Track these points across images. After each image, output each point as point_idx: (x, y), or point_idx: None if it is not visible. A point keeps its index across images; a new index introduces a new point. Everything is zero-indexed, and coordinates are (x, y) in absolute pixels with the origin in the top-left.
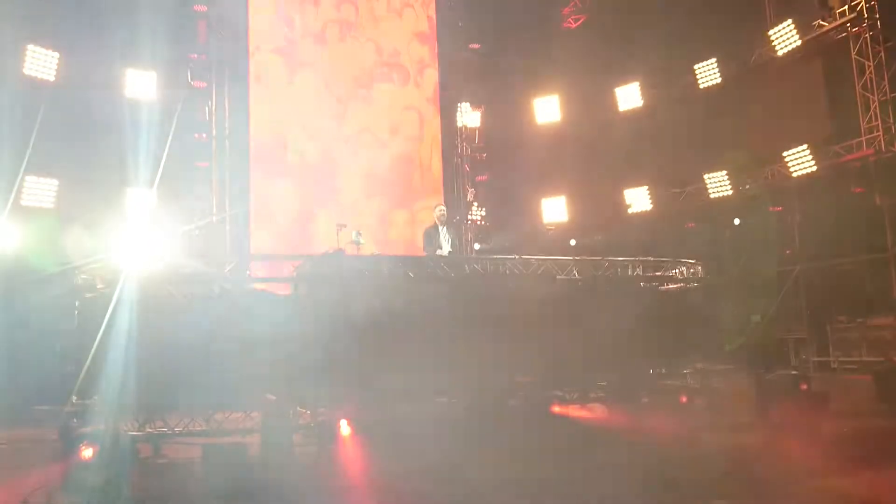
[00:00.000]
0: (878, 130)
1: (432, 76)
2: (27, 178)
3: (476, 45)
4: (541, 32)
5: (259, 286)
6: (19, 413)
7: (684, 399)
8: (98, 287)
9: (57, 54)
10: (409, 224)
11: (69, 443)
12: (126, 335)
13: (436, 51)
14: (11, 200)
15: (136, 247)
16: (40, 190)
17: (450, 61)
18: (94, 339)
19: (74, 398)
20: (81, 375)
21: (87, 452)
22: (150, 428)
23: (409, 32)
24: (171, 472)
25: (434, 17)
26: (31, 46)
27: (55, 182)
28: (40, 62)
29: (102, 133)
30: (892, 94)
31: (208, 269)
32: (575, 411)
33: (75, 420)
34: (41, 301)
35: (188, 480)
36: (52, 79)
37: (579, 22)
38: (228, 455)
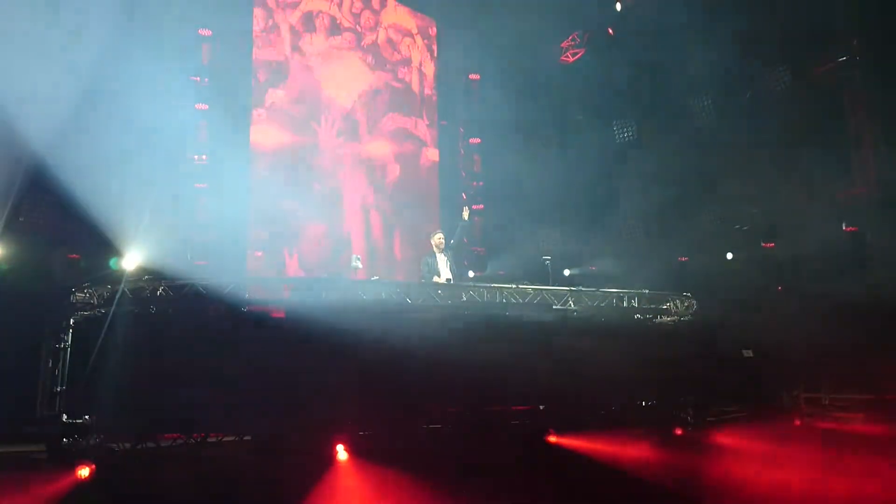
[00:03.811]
0: (870, 170)
1: (432, 105)
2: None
3: (476, 76)
4: (539, 66)
5: (255, 308)
6: (8, 432)
7: (679, 432)
8: (93, 305)
9: None
10: (407, 250)
11: (59, 462)
12: (120, 354)
13: (435, 81)
14: (6, 217)
15: (133, 266)
16: (37, 207)
17: (449, 91)
18: (88, 358)
19: (65, 417)
20: (73, 394)
21: (77, 472)
22: (142, 448)
23: (410, 62)
24: (161, 493)
25: (434, 47)
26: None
27: (52, 198)
28: None
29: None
30: (885, 134)
31: (205, 290)
32: (569, 441)
33: (65, 439)
34: (33, 318)
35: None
36: None
37: (577, 56)
38: (220, 478)
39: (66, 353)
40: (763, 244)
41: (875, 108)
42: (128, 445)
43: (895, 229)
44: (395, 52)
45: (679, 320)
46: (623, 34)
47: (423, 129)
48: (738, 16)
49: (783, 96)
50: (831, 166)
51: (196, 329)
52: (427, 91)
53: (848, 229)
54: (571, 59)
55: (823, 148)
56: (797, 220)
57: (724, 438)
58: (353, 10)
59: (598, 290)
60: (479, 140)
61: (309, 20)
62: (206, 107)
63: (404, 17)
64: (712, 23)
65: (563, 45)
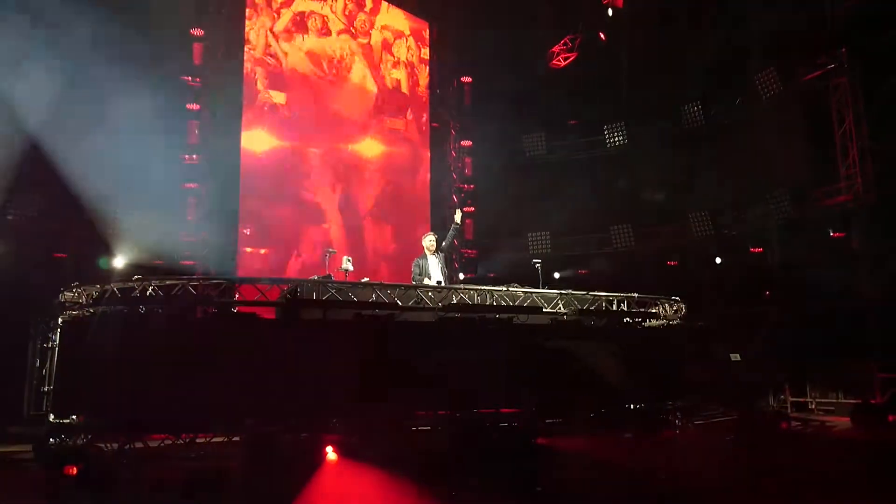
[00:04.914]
0: (856, 177)
1: (423, 108)
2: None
3: (467, 79)
4: (531, 69)
5: (245, 309)
6: None
7: (669, 435)
8: (82, 305)
9: None
10: (399, 252)
11: (46, 463)
12: (108, 354)
13: (427, 83)
14: None
15: (122, 266)
16: (25, 205)
17: (441, 94)
18: (76, 358)
19: (52, 417)
20: (61, 394)
21: (64, 473)
22: (130, 449)
23: (402, 64)
24: (150, 494)
25: (427, 50)
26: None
27: (39, 197)
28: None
29: (90, 150)
30: (871, 142)
31: (195, 291)
32: (558, 443)
33: (52, 440)
34: (20, 317)
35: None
36: None
37: (568, 61)
38: (208, 478)
39: (53, 352)
40: (751, 249)
41: (861, 116)
42: (116, 446)
43: (881, 236)
44: (388, 54)
45: (668, 323)
46: (614, 39)
47: (414, 131)
48: (728, 22)
49: (772, 103)
50: (819, 173)
51: (185, 329)
52: (419, 93)
53: (835, 235)
54: (563, 64)
55: (811, 154)
56: (785, 225)
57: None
58: (347, 12)
59: (587, 293)
60: (470, 143)
61: (301, 21)
62: (198, 107)
63: (398, 20)
64: (703, 29)
65: (554, 49)
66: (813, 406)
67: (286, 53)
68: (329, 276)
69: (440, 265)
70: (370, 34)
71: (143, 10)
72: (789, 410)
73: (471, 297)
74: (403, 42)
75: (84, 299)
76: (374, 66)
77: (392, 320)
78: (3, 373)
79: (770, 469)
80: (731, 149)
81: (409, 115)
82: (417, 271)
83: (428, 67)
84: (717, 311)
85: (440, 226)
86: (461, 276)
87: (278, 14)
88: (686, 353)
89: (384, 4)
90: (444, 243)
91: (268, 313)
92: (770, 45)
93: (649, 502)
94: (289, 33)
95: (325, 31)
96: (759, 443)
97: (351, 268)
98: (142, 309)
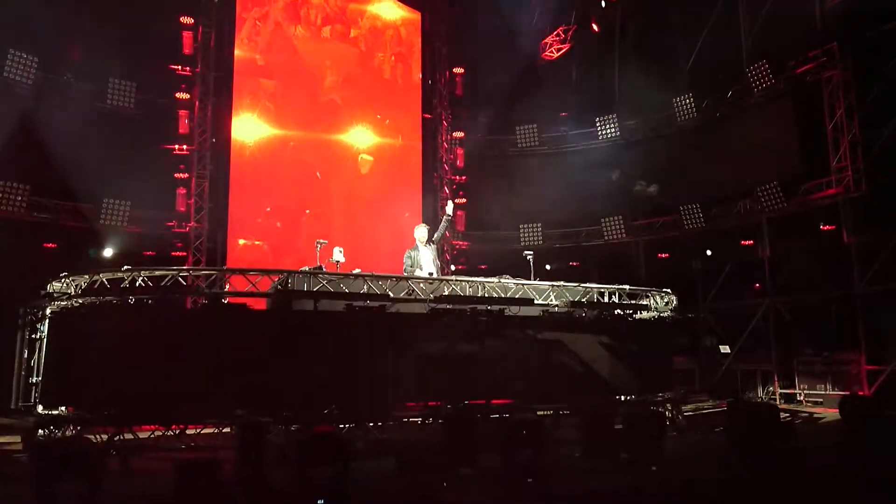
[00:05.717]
0: (847, 170)
1: (415, 98)
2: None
3: (460, 70)
4: (523, 60)
5: (235, 300)
6: None
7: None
8: (70, 296)
9: (36, 59)
10: (390, 243)
11: (35, 454)
12: (97, 344)
13: (419, 74)
14: None
15: (111, 256)
16: (13, 195)
17: (433, 85)
18: (64, 348)
19: (41, 408)
20: (48, 385)
21: (54, 465)
22: (120, 439)
23: (394, 55)
24: (141, 486)
25: (418, 41)
26: (12, 50)
27: (27, 188)
28: (19, 66)
29: (80, 140)
30: (861, 136)
31: (185, 281)
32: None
33: (41, 431)
34: (8, 307)
35: (159, 495)
36: (29, 82)
37: (561, 52)
38: (199, 470)
39: (41, 343)
40: (741, 242)
41: (853, 109)
42: (105, 437)
43: (871, 229)
44: (380, 44)
45: (658, 316)
46: (607, 31)
47: (406, 121)
48: (720, 15)
49: (763, 96)
50: (810, 166)
51: (175, 320)
52: (411, 84)
53: (825, 228)
54: (556, 55)
55: (802, 147)
56: (776, 218)
57: None
58: (339, 1)
59: (579, 285)
60: (462, 134)
61: (293, 10)
62: (188, 96)
63: (390, 9)
64: (696, 21)
65: (547, 40)
66: (801, 397)
67: (277, 43)
68: (320, 266)
69: (432, 256)
70: (362, 23)
71: None
72: (778, 402)
73: (462, 289)
74: (395, 32)
75: (73, 290)
76: (366, 57)
77: (383, 311)
78: None
79: (763, 461)
80: (722, 142)
81: (401, 106)
82: (409, 263)
83: (420, 58)
84: (707, 303)
85: (432, 217)
86: (452, 267)
87: (270, 3)
88: (676, 345)
89: None
90: (435, 235)
91: (258, 304)
92: (762, 38)
93: (644, 493)
94: (280, 23)
95: (316, 21)
96: (749, 434)
97: (342, 259)
98: (131, 300)
